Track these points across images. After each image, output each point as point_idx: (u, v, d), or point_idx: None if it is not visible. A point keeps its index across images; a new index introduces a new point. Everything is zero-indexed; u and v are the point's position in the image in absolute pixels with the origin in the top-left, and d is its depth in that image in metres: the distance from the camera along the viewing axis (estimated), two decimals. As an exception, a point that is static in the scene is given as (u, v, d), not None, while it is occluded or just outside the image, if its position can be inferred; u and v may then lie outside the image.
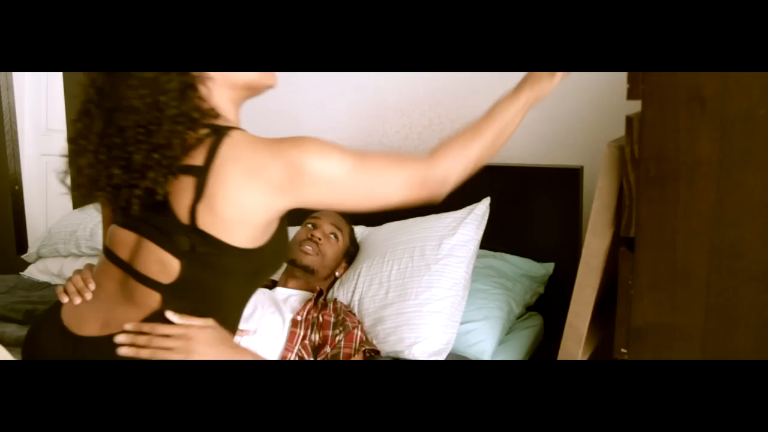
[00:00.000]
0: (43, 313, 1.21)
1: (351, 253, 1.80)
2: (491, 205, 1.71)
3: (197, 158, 1.04)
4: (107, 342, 1.06)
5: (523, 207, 1.91)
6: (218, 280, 1.09)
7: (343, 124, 2.33)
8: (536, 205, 1.91)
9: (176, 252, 1.05)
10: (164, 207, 1.04)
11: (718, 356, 1.11)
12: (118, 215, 1.12)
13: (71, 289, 1.15)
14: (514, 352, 1.63)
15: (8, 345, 1.62)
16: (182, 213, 1.03)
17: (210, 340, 1.06)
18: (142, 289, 1.07)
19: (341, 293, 1.69)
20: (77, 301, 1.13)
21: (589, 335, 1.32)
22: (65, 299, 1.14)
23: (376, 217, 1.92)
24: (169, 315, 1.05)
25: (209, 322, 1.08)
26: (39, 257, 2.49)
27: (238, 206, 1.03)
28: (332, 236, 1.74)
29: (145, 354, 1.03)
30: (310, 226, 1.76)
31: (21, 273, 2.47)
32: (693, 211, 1.08)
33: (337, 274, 1.77)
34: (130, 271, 1.09)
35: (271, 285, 1.76)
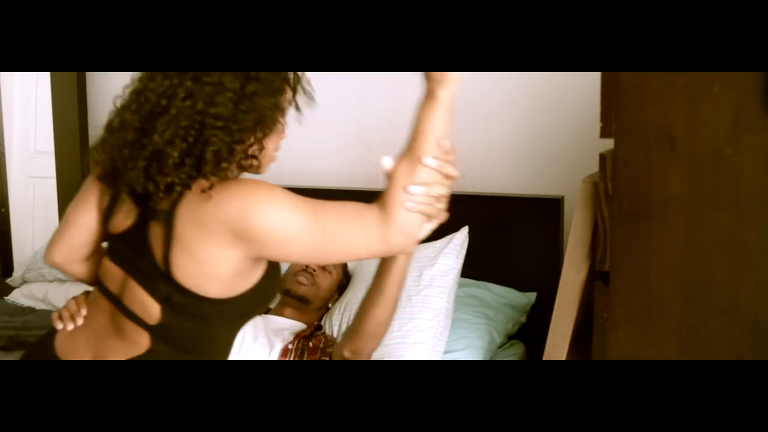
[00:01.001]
0: (36, 341, 1.22)
1: (343, 284, 1.81)
2: (474, 234, 1.74)
3: (165, 202, 1.01)
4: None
5: (505, 236, 1.93)
6: (199, 326, 1.07)
7: (330, 153, 2.36)
8: (518, 235, 1.93)
9: (156, 296, 1.03)
10: (147, 248, 1.02)
11: (691, 389, 1.13)
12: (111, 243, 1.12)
13: (65, 315, 1.15)
14: (495, 381, 1.64)
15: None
16: (159, 258, 1.01)
17: None
18: (131, 325, 1.06)
19: (327, 324, 1.70)
20: (70, 327, 1.12)
21: (567, 366, 1.34)
22: (60, 325, 1.14)
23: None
24: None
25: None
26: (24, 281, 2.47)
27: (199, 258, 0.99)
28: (325, 268, 1.75)
29: None
30: None
31: (5, 297, 2.45)
32: (665, 247, 1.11)
33: (329, 305, 1.78)
34: (118, 305, 1.08)
35: (265, 311, 1.77)
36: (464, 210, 1.93)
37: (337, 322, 1.66)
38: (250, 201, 0.98)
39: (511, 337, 1.86)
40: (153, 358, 1.05)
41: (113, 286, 1.09)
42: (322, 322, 1.71)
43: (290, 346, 1.54)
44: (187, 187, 0.99)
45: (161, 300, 1.02)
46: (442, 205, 1.07)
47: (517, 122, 2.04)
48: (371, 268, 1.80)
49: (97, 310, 1.13)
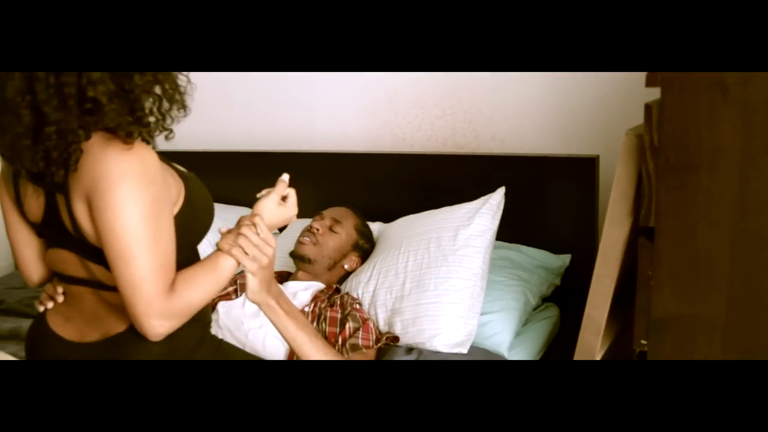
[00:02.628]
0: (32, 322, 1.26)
1: (363, 248, 1.80)
2: (506, 195, 1.70)
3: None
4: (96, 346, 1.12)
5: (538, 198, 1.89)
6: None
7: (356, 116, 2.32)
8: (552, 196, 1.89)
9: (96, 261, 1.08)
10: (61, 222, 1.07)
11: (740, 348, 1.09)
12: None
13: (44, 297, 1.22)
14: (530, 343, 1.61)
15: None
16: (69, 227, 1.06)
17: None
18: (102, 293, 1.12)
19: (354, 285, 1.68)
20: (50, 305, 1.19)
21: (607, 327, 1.31)
22: (41, 308, 1.21)
23: (390, 213, 1.92)
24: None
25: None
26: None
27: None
28: (332, 229, 1.76)
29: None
30: (313, 221, 1.81)
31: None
32: (715, 200, 1.06)
33: (346, 267, 1.77)
34: (83, 282, 1.13)
35: (285, 278, 1.77)
36: (494, 172, 1.90)
37: (372, 287, 1.64)
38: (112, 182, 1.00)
39: (545, 300, 1.83)
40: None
41: (70, 269, 1.13)
42: (351, 289, 1.70)
43: (306, 309, 1.54)
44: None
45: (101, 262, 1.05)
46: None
47: (546, 78, 1.97)
48: (394, 231, 1.79)
49: (71, 296, 1.17)
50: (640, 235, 1.17)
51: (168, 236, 1.04)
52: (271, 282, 1.24)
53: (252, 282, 1.20)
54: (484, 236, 1.58)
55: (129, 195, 0.99)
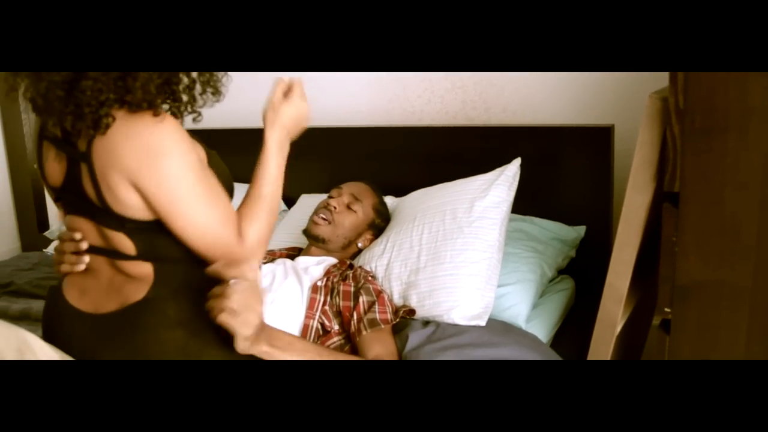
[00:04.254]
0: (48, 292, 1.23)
1: (378, 225, 1.76)
2: (520, 167, 1.67)
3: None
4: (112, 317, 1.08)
5: (552, 169, 1.86)
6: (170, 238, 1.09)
7: (365, 91, 2.29)
8: (566, 167, 1.86)
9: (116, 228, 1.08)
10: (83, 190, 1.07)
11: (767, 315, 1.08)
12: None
13: (67, 259, 1.14)
14: (547, 315, 1.60)
15: (36, 320, 1.62)
16: (93, 196, 1.06)
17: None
18: (119, 263, 1.09)
19: (367, 259, 1.66)
20: (81, 267, 1.12)
21: (628, 295, 1.29)
22: (67, 270, 1.14)
23: (402, 188, 1.89)
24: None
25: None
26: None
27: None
28: (350, 206, 1.72)
29: None
30: (330, 196, 1.76)
31: (44, 250, 2.46)
32: (743, 163, 1.04)
33: (360, 245, 1.74)
34: (99, 251, 1.11)
35: (296, 254, 1.75)
36: (507, 144, 1.86)
37: (386, 260, 1.62)
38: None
39: (560, 272, 1.81)
40: (160, 285, 1.08)
41: (87, 238, 1.12)
42: (364, 263, 1.67)
43: (319, 283, 1.52)
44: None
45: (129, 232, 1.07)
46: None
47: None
48: (407, 204, 1.76)
49: (88, 267, 1.13)
50: (664, 200, 1.15)
51: (219, 188, 1.09)
52: (261, 330, 1.12)
53: (242, 344, 1.07)
54: (500, 207, 1.56)
55: (179, 162, 1.03)
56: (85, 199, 1.07)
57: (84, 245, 1.11)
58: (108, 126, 1.00)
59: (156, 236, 1.08)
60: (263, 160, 1.16)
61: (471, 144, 1.96)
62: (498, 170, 1.63)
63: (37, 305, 1.81)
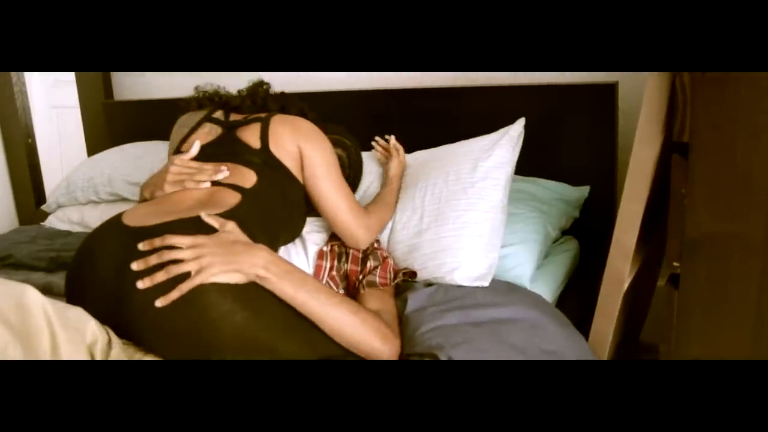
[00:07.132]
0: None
1: (349, 176, 1.72)
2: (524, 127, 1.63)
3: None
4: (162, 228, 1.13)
5: (555, 128, 1.83)
6: (281, 194, 1.38)
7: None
8: (569, 126, 1.82)
9: (253, 167, 1.36)
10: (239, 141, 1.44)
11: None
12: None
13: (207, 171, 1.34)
14: (551, 276, 1.58)
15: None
16: (255, 143, 1.43)
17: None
18: (226, 191, 1.27)
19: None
20: (221, 175, 1.32)
21: (636, 252, 1.27)
22: (217, 176, 1.31)
23: (406, 150, 1.85)
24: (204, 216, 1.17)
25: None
26: (58, 207, 2.45)
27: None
28: None
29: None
30: None
31: (42, 223, 2.44)
32: (756, 111, 1.00)
33: None
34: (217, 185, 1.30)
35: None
36: (508, 103, 1.83)
37: (389, 224, 1.61)
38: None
39: (564, 233, 1.79)
40: (239, 212, 1.22)
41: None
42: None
43: (325, 248, 1.50)
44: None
45: (258, 168, 1.36)
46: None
47: None
48: (413, 165, 1.73)
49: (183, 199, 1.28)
50: (672, 152, 1.12)
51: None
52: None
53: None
54: (504, 168, 1.53)
55: (330, 150, 1.49)
56: (238, 145, 1.41)
57: (226, 173, 1.31)
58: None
59: (272, 187, 1.35)
60: (391, 185, 1.68)
61: (472, 105, 1.93)
62: (502, 130, 1.60)
63: (36, 277, 1.80)
